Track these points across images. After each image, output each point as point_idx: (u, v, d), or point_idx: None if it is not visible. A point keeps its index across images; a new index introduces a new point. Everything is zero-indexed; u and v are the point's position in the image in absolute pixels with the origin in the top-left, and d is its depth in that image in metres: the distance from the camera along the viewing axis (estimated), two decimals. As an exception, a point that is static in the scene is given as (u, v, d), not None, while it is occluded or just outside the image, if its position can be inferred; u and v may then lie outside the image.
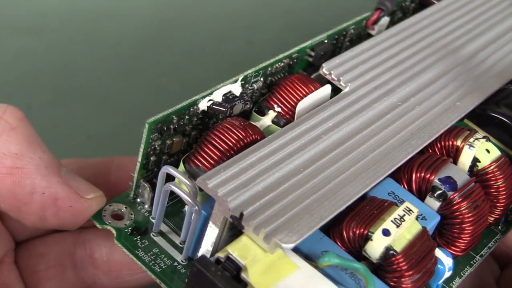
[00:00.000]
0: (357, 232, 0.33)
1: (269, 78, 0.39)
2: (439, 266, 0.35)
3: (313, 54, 0.41)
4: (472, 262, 0.39)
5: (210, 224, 0.32)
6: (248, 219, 0.30)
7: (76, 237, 0.39)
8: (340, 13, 0.63)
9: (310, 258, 0.32)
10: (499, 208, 0.38)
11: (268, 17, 0.62)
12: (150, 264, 0.34)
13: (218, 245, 0.32)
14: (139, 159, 0.34)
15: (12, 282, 0.38)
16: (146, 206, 0.36)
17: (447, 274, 0.35)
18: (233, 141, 0.34)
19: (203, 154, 0.34)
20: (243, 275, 0.29)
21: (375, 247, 0.32)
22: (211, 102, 0.36)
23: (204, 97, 0.35)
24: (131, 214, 0.36)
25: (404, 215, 0.33)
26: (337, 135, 0.35)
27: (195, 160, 0.34)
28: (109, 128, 0.53)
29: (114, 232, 0.35)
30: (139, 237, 0.35)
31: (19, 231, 0.39)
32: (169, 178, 0.33)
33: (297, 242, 0.30)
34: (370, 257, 0.33)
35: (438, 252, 0.35)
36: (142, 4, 0.63)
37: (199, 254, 0.33)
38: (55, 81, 0.54)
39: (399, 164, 0.35)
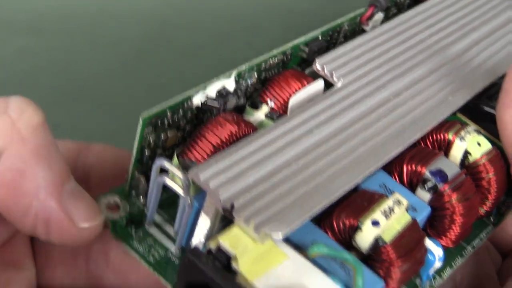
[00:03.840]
0: (347, 222, 0.33)
1: (263, 73, 0.40)
2: (429, 256, 0.36)
3: (307, 50, 0.41)
4: (463, 252, 0.39)
5: (202, 214, 0.32)
6: (239, 210, 0.30)
7: None
8: (341, 13, 0.63)
9: (300, 248, 0.32)
10: (490, 201, 0.38)
11: (268, 17, 0.63)
12: (145, 255, 0.35)
13: (211, 236, 0.33)
14: (134, 153, 0.35)
15: (23, 256, 0.38)
16: (141, 198, 0.37)
17: (438, 264, 0.36)
18: (226, 136, 0.35)
19: (197, 148, 0.35)
20: (233, 264, 0.30)
21: (365, 237, 0.33)
22: (205, 97, 0.36)
23: (198, 92, 0.36)
24: (126, 205, 0.36)
25: (394, 206, 0.34)
26: (329, 129, 0.35)
27: (189, 154, 0.35)
28: (110, 128, 0.54)
29: (109, 223, 0.36)
30: (134, 228, 0.36)
31: None
32: (164, 172, 0.34)
33: (286, 232, 0.30)
34: (360, 248, 0.33)
35: (429, 243, 0.36)
36: (142, 4, 0.64)
37: (192, 244, 0.33)
38: (55, 81, 0.55)
39: (390, 158, 0.35)
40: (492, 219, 0.41)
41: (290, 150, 0.34)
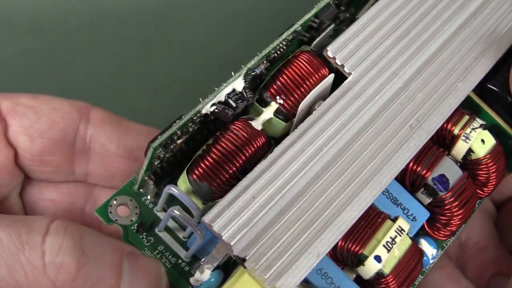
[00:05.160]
0: (351, 249, 0.35)
1: (272, 55, 0.38)
2: (423, 258, 0.38)
3: (317, 21, 0.39)
4: (456, 232, 0.41)
5: (213, 252, 0.34)
6: (250, 263, 0.32)
7: (87, 190, 0.41)
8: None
9: (305, 278, 0.34)
10: (486, 191, 0.40)
11: (269, 17, 0.61)
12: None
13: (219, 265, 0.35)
14: (144, 167, 0.35)
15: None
16: (149, 197, 0.38)
17: (431, 261, 0.38)
18: (232, 156, 0.35)
19: (206, 168, 0.35)
20: (243, 313, 0.32)
21: (367, 271, 0.35)
22: (213, 107, 0.35)
23: (207, 103, 0.35)
24: (136, 207, 0.37)
25: (396, 236, 0.35)
26: (336, 146, 0.35)
27: (198, 174, 0.35)
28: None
29: (121, 230, 0.37)
30: (145, 234, 0.37)
31: (28, 169, 0.40)
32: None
33: (296, 285, 0.32)
34: (361, 276, 0.35)
35: (423, 243, 0.38)
36: (142, 4, 0.60)
37: (199, 274, 0.35)
38: (55, 81, 0.54)
39: (396, 175, 0.36)
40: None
41: (297, 180, 0.34)
